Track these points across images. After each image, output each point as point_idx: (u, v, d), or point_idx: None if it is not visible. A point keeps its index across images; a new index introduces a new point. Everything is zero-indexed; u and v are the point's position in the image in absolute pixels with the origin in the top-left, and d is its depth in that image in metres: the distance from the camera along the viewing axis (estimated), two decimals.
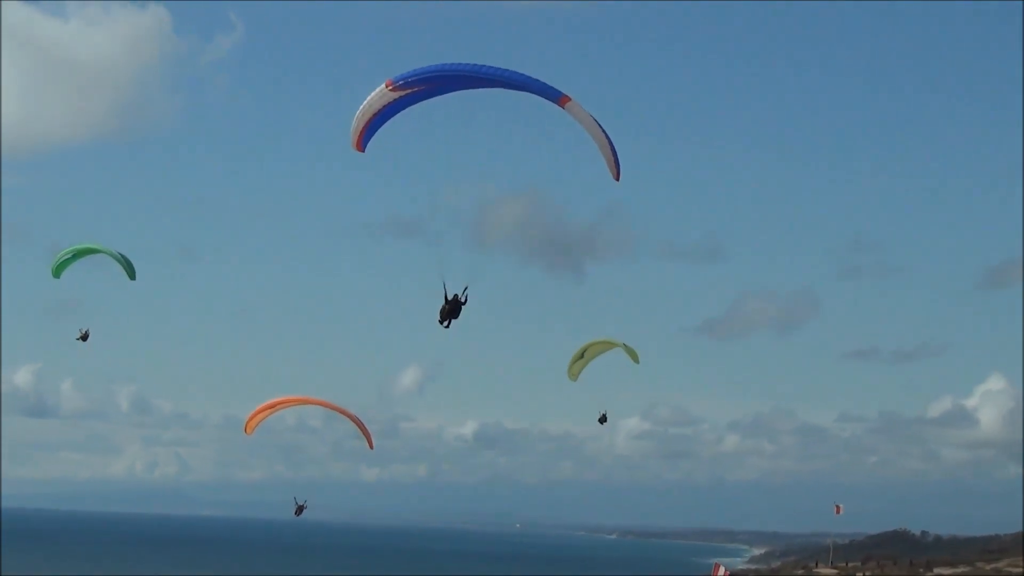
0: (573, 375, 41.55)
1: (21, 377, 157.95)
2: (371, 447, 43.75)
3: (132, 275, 43.53)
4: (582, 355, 41.13)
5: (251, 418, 41.10)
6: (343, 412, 41.42)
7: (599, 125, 24.23)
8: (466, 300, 26.41)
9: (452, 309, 26.26)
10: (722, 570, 66.03)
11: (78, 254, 43.09)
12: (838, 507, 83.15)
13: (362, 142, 26.16)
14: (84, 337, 45.42)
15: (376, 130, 25.99)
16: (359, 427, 41.66)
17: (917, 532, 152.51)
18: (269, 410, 40.99)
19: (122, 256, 43.06)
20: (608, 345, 40.64)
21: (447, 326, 26.27)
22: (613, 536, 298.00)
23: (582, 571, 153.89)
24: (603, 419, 46.75)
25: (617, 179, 25.44)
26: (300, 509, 45.55)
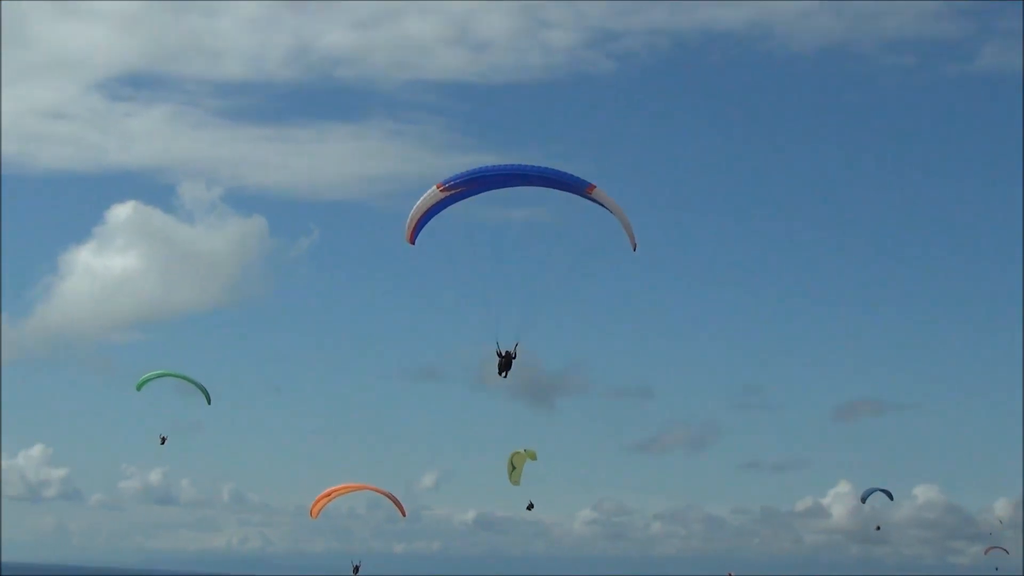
0: (515, 481, 49.03)
1: (154, 477, 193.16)
2: (404, 515, 52.02)
3: (208, 400, 51.50)
4: (513, 467, 48.77)
5: (315, 504, 49.46)
6: (382, 492, 49.72)
7: (620, 208, 28.69)
8: (516, 355, 30.86)
9: (506, 363, 30.76)
10: None
11: (162, 376, 50.16)
12: (730, 574, 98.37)
13: (414, 236, 30.32)
14: (163, 441, 54.72)
15: (425, 225, 30.15)
16: (395, 501, 49.88)
17: None
18: (326, 498, 49.40)
19: (201, 385, 50.89)
20: (525, 456, 48.87)
21: (505, 376, 30.68)
22: None
23: None
24: (530, 507, 56.64)
25: (635, 249, 29.84)
26: (356, 569, 53.39)
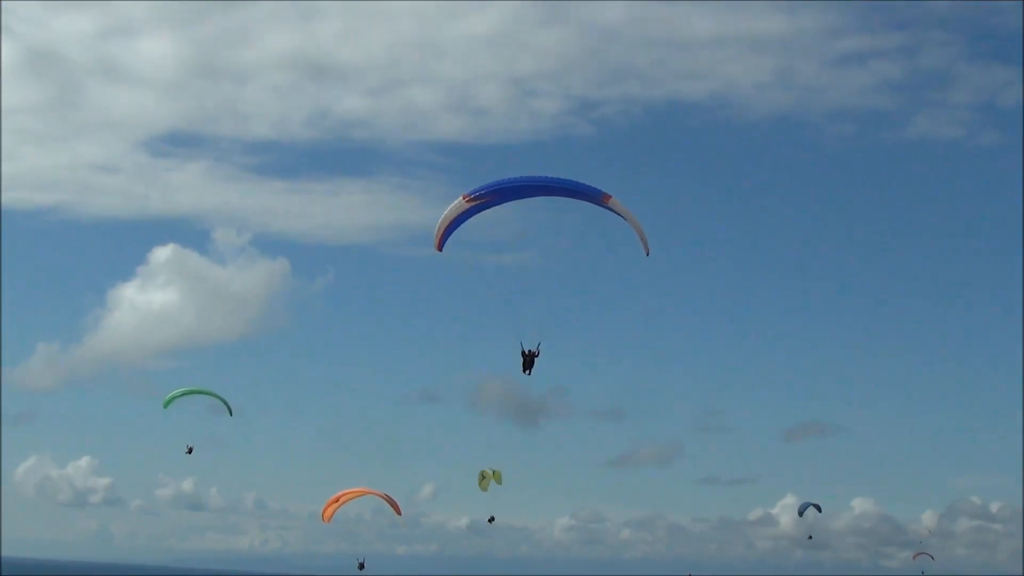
0: (484, 489, 54.25)
1: (186, 485, 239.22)
2: (399, 514, 55.65)
3: (231, 412, 56.10)
4: (483, 478, 54.23)
5: (325, 509, 53.26)
6: (380, 495, 53.71)
7: (635, 217, 30.54)
8: (539, 353, 32.78)
9: (529, 361, 32.72)
10: None
11: (187, 393, 54.36)
12: (690, 575, 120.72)
13: (441, 243, 32.09)
14: (190, 451, 59.22)
15: (452, 233, 31.93)
16: (391, 502, 53.90)
17: None
18: (335, 503, 53.26)
19: (223, 398, 55.16)
20: (492, 477, 54.83)
21: (529, 374, 32.67)
22: None
23: None
24: (491, 520, 62.29)
25: (648, 254, 31.69)
26: (361, 566, 58.84)
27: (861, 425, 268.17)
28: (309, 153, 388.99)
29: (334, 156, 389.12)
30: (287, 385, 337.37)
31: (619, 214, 30.88)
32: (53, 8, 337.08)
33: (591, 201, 30.68)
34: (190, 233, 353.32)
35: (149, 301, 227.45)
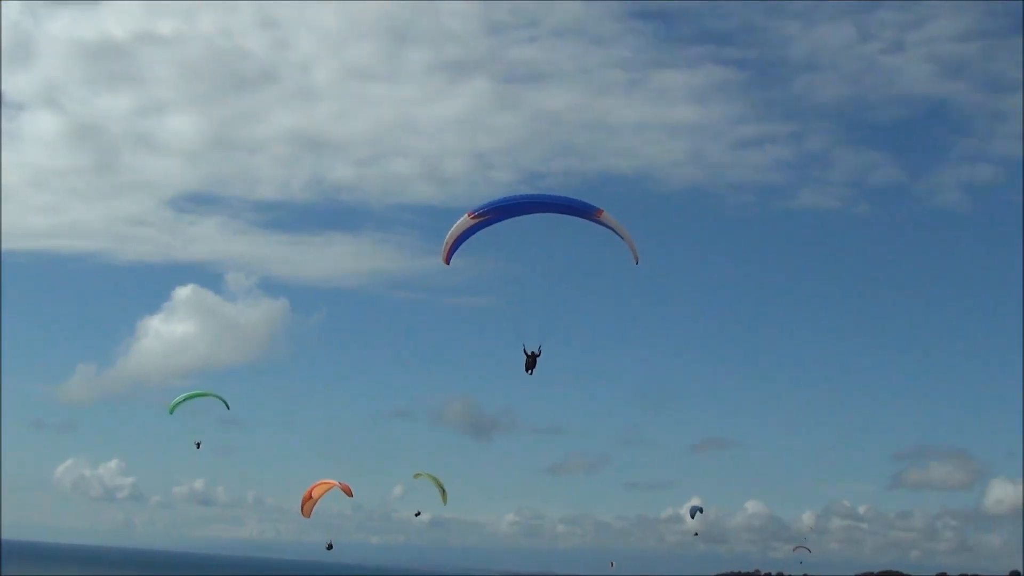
0: (418, 477, 63.16)
1: (198, 484, 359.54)
2: (350, 496, 62.07)
3: (227, 406, 61.88)
4: (431, 477, 63.24)
5: (302, 507, 60.81)
6: (336, 483, 60.64)
7: (625, 230, 33.22)
8: (540, 353, 35.31)
9: (531, 362, 35.28)
10: None
11: (189, 397, 60.46)
12: (612, 563, 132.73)
13: (449, 257, 34.59)
14: (198, 446, 64.32)
15: (458, 248, 34.42)
16: (344, 488, 60.43)
17: None
18: (309, 501, 60.55)
19: (218, 395, 61.27)
20: (432, 482, 63.81)
21: (531, 374, 35.28)
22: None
23: None
24: (418, 514, 69.48)
25: (637, 263, 34.30)
26: (329, 546, 66.76)
27: (754, 441, 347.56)
28: (306, 212, 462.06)
29: (326, 215, 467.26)
30: (285, 402, 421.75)
31: (611, 227, 33.40)
32: (97, 89, 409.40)
33: (584, 216, 33.06)
34: (207, 276, 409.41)
35: (172, 331, 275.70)
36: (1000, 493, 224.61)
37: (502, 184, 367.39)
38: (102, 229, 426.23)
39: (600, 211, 32.95)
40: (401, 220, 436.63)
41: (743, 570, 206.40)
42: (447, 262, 34.70)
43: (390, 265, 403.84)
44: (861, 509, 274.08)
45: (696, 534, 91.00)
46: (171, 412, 61.54)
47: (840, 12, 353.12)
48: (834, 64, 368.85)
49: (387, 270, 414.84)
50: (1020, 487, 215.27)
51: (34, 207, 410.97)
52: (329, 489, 61.10)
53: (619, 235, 33.87)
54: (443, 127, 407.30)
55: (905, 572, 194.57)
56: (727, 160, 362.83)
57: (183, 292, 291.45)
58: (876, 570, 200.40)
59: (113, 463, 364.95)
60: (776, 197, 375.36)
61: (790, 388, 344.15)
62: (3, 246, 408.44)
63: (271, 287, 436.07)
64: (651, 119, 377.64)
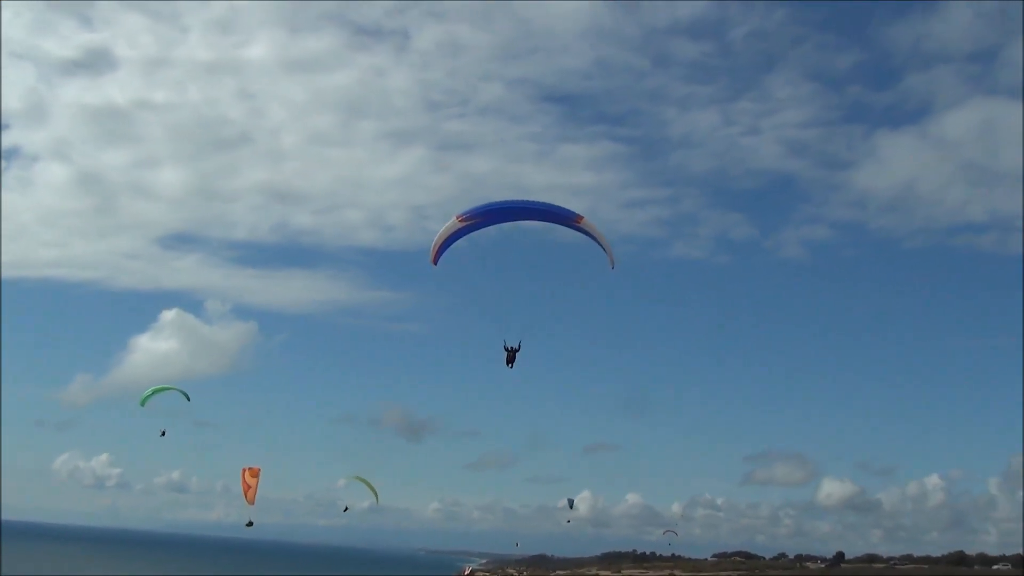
0: (349, 480, 76.04)
1: (175, 475, 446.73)
2: (250, 503, 71.96)
3: (188, 399, 67.88)
4: (357, 479, 75.19)
5: (245, 495, 71.12)
6: (256, 468, 70.83)
7: (603, 236, 35.20)
8: (520, 348, 37.01)
9: (511, 357, 37.02)
10: (468, 569, 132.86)
11: (156, 391, 67.08)
12: (516, 543, 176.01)
13: (437, 258, 35.94)
14: (163, 434, 70.85)
15: (446, 250, 35.88)
16: (251, 491, 69.99)
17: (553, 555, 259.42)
18: (248, 489, 70.78)
19: (180, 389, 67.75)
20: (366, 485, 75.92)
21: (511, 367, 37.05)
22: (423, 552, 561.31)
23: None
24: (345, 509, 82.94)
25: (612, 268, 36.22)
26: (250, 523, 73.93)
27: (634, 444, 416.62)
28: (273, 251, 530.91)
29: (290, 254, 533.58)
30: (252, 407, 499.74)
31: (589, 233, 35.12)
32: (100, 145, 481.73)
33: (565, 223, 34.63)
34: (189, 302, 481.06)
35: (158, 347, 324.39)
36: (829, 489, 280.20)
37: (434, 233, 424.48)
38: (101, 261, 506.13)
39: (580, 217, 34.47)
40: (351, 260, 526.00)
41: (623, 549, 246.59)
42: (435, 263, 35.80)
43: (341, 296, 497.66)
44: (719, 501, 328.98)
45: (568, 521, 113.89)
46: (142, 404, 66.54)
47: (709, 101, 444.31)
48: (703, 142, 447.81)
49: (339, 300, 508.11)
50: (846, 484, 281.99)
51: (44, 242, 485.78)
52: (255, 476, 70.05)
53: (597, 241, 35.49)
54: (387, 185, 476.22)
55: (754, 552, 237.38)
56: (616, 217, 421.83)
57: (168, 315, 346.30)
58: (730, 550, 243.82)
59: (104, 456, 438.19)
60: (655, 248, 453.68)
61: (663, 401, 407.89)
62: (17, 274, 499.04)
63: (242, 312, 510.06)
64: (557, 182, 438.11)
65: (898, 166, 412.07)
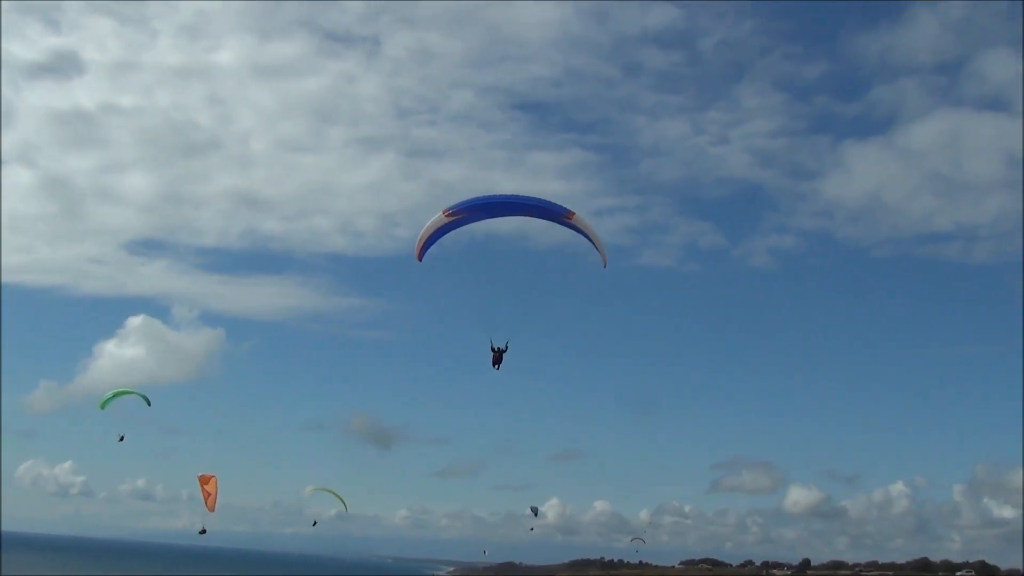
0: (318, 490, 77.83)
1: (140, 483, 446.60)
2: (211, 510, 72.55)
3: (148, 403, 67.62)
4: (333, 492, 79.24)
5: (206, 501, 70.80)
6: (211, 475, 71.46)
7: (594, 232, 34.10)
8: (507, 348, 35.94)
9: (498, 358, 35.95)
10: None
11: (117, 394, 66.50)
12: (485, 550, 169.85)
13: (421, 254, 34.84)
14: (121, 439, 70.98)
15: (431, 245, 34.73)
16: (211, 498, 70.36)
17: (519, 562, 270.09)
18: (208, 497, 70.64)
19: (141, 393, 67.41)
20: (333, 495, 78.28)
21: (498, 369, 35.96)
22: (391, 560, 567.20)
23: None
24: (315, 524, 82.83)
25: (605, 266, 35.18)
26: (203, 531, 75.85)
27: (602, 452, 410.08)
28: (241, 257, 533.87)
29: (258, 260, 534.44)
30: (219, 414, 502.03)
31: (580, 229, 34.05)
32: (67, 149, 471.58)
33: (555, 219, 33.57)
34: (155, 308, 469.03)
35: (124, 354, 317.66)
36: (796, 496, 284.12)
37: (403, 240, 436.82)
38: (66, 266, 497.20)
39: (571, 213, 33.34)
40: (319, 267, 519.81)
41: (591, 557, 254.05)
42: (419, 259, 34.72)
43: (309, 303, 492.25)
44: (687, 508, 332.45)
45: (532, 528, 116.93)
46: (102, 407, 66.40)
47: (679, 111, 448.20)
48: (672, 151, 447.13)
49: (306, 307, 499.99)
50: (812, 492, 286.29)
51: (9, 247, 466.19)
52: (209, 482, 70.48)
53: (588, 237, 34.47)
54: (357, 191, 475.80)
55: (721, 559, 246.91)
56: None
57: (135, 321, 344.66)
58: (698, 557, 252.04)
59: (68, 464, 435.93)
60: (624, 256, 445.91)
61: (631, 410, 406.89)
62: None
63: (210, 319, 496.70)
64: (527, 190, 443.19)
65: (865, 176, 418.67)
